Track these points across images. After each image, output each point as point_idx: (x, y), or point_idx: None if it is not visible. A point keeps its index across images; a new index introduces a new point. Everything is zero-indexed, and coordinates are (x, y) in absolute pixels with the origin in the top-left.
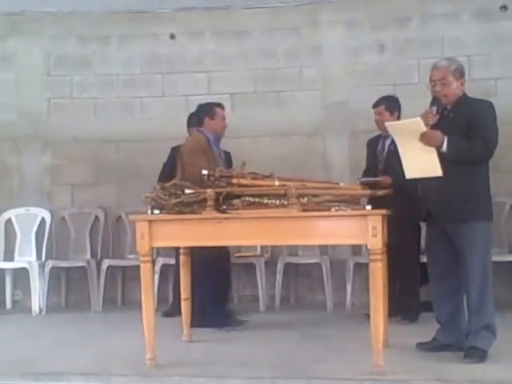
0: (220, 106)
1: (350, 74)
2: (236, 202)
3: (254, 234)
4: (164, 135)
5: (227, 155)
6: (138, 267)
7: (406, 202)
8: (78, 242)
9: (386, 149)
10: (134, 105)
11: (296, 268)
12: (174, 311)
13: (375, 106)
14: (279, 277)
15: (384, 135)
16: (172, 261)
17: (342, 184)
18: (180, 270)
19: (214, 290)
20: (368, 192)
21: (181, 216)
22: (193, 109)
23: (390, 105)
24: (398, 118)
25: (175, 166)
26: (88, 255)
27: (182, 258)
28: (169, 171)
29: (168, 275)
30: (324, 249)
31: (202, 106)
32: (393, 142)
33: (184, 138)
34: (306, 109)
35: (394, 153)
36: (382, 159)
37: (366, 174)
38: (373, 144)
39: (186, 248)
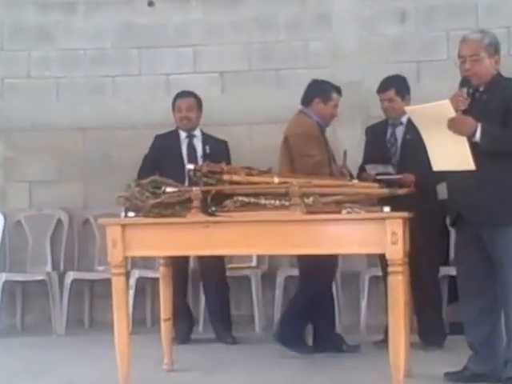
0: (338, 91)
1: (365, 48)
2: (227, 202)
3: (248, 242)
4: (141, 122)
5: (223, 145)
6: (109, 281)
7: (430, 203)
8: (37, 250)
9: (400, 140)
10: (105, 85)
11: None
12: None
13: (383, 90)
14: (279, 292)
15: (392, 123)
16: (150, 273)
17: (355, 181)
18: (162, 284)
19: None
20: (386, 191)
21: (161, 219)
22: (175, 89)
23: (401, 87)
24: (409, 104)
25: (161, 159)
26: (49, 267)
27: (161, 269)
28: (152, 165)
29: (145, 291)
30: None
31: (316, 84)
32: (408, 130)
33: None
34: None
35: (412, 144)
36: (395, 152)
37: (362, 169)
38: (376, 133)
39: (166, 258)
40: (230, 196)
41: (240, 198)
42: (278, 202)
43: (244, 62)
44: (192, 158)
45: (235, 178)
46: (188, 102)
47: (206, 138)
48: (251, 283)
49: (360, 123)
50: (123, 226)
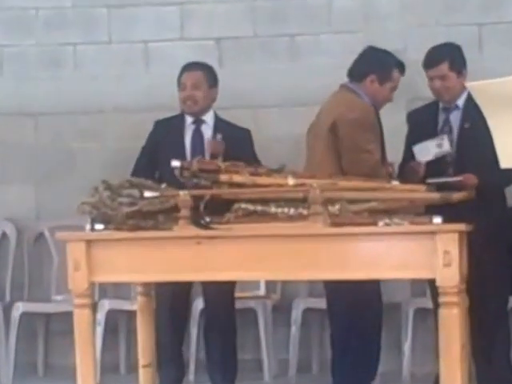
0: (401, 68)
1: (409, 7)
2: (226, 211)
3: (254, 263)
4: (111, 104)
5: (243, 136)
6: (69, 315)
7: (496, 212)
8: None
9: (457, 129)
10: (64, 56)
11: (321, 316)
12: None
13: (432, 64)
14: (295, 330)
15: (445, 107)
16: (125, 305)
17: (395, 182)
18: (140, 319)
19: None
20: (437, 195)
21: (138, 234)
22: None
23: (456, 60)
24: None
25: (161, 152)
26: None
27: (140, 300)
28: (149, 161)
29: (118, 327)
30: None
31: (374, 54)
32: (466, 116)
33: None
34: (337, 62)
35: (472, 134)
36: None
37: (403, 167)
38: (423, 120)
39: (146, 285)
40: (230, 203)
41: (243, 206)
42: (293, 211)
43: (248, 25)
44: (197, 150)
45: (236, 178)
46: (194, 76)
47: (220, 125)
48: (258, 318)
49: (403, 106)
50: (88, 242)
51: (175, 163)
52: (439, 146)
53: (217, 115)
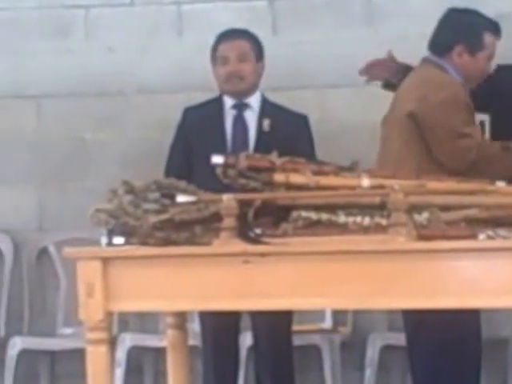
0: (495, 30)
1: None
2: (282, 220)
3: (317, 288)
4: (134, 84)
5: (298, 123)
6: (80, 353)
7: None
8: None
9: None
10: (74, 23)
11: (403, 356)
12: None
13: None
14: (371, 373)
15: None
16: (151, 341)
17: (500, 184)
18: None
19: None
20: None
21: (168, 250)
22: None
23: None
24: None
25: (195, 146)
26: None
27: (170, 334)
28: (182, 158)
29: (143, 368)
30: None
31: (459, 18)
32: None
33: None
34: (427, 29)
35: None
36: None
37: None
38: None
39: (178, 316)
40: (287, 210)
41: (303, 214)
42: (368, 221)
43: None
44: (239, 141)
45: (295, 178)
46: (239, 46)
47: (268, 109)
48: (323, 357)
49: None
50: (105, 260)
51: (217, 159)
52: None
53: (265, 98)
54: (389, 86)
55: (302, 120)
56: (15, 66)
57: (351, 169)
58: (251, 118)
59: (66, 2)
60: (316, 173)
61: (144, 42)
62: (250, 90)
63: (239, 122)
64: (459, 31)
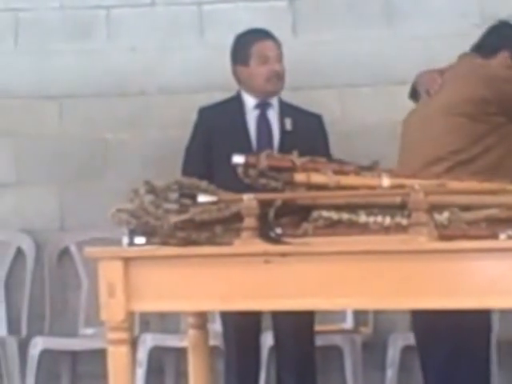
0: None
1: None
2: (303, 220)
3: (338, 288)
4: (156, 84)
5: (313, 122)
6: (102, 353)
7: None
8: None
9: None
10: (95, 23)
11: None
12: None
13: None
14: (392, 373)
15: None
16: (172, 341)
17: None
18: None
19: None
20: None
21: (189, 250)
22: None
23: None
24: None
25: (215, 147)
26: (2, 328)
27: (191, 334)
28: (201, 159)
29: (164, 368)
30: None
31: (507, 29)
32: None
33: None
34: (448, 29)
35: None
36: None
37: None
38: None
39: (199, 316)
40: (308, 210)
41: (324, 214)
42: (388, 221)
43: None
44: (264, 141)
45: (316, 178)
46: (276, 45)
47: (285, 109)
48: (344, 358)
49: None
50: (126, 260)
51: (238, 159)
52: None
53: (280, 97)
54: (414, 95)
55: (318, 120)
56: (37, 66)
57: (371, 168)
58: (273, 117)
59: (88, 2)
60: (337, 172)
61: (165, 42)
62: (282, 90)
63: (263, 121)
64: (506, 39)
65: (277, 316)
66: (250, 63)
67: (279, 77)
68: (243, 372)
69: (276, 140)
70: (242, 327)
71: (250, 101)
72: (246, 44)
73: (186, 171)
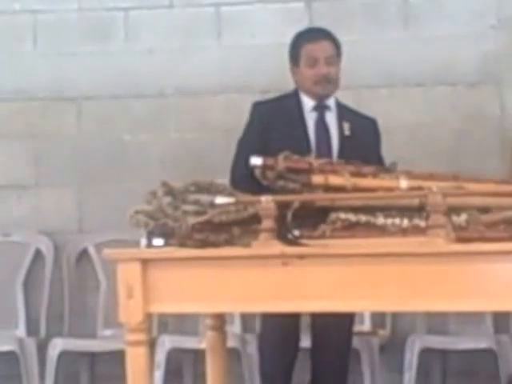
0: None
1: None
2: (320, 222)
3: (356, 290)
4: (174, 84)
5: (369, 126)
6: (120, 354)
7: None
8: (1, 302)
9: None
10: (113, 25)
11: (444, 358)
12: None
13: None
14: (410, 376)
15: None
16: (191, 343)
17: None
18: (210, 360)
19: None
20: None
21: (207, 251)
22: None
23: None
24: None
25: (272, 145)
26: (21, 329)
27: (210, 336)
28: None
29: (182, 370)
30: (504, 321)
31: None
32: None
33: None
34: (465, 31)
35: None
36: None
37: None
38: None
39: (217, 318)
40: (326, 212)
41: (342, 216)
42: (406, 223)
43: None
44: (323, 147)
45: (334, 180)
46: (327, 47)
47: (343, 112)
48: (362, 360)
49: None
50: (145, 261)
51: (255, 161)
52: None
53: (337, 99)
54: None
55: (374, 124)
56: (56, 68)
57: (389, 170)
58: (331, 121)
59: (106, 4)
60: (354, 174)
61: (183, 44)
62: (333, 94)
63: (321, 125)
64: None
65: (316, 317)
66: (300, 64)
67: (328, 80)
68: (279, 370)
69: (335, 146)
70: (284, 329)
71: (307, 101)
72: (297, 45)
73: (238, 165)
